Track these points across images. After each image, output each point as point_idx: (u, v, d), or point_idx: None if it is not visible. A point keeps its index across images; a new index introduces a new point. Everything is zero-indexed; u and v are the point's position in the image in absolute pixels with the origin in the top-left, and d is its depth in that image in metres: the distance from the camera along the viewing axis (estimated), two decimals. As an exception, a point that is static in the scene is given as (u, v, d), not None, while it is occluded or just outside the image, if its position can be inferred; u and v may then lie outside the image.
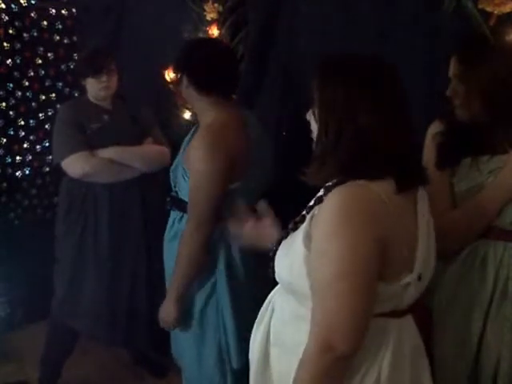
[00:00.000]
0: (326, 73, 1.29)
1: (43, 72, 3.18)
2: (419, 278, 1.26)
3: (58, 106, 3.10)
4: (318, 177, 1.28)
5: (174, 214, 2.07)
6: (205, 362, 2.04)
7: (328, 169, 1.26)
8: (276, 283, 1.44)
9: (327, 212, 1.21)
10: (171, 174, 2.07)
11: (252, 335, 1.50)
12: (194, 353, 2.06)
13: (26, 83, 3.11)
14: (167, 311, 2.01)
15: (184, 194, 1.98)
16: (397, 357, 1.26)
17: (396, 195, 1.22)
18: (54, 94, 3.24)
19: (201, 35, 2.67)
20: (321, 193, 1.28)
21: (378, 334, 1.25)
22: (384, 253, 1.19)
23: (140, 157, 2.54)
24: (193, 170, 1.89)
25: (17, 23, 3.02)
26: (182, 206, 1.99)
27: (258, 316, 1.49)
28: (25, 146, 3.17)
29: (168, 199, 2.10)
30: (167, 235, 2.11)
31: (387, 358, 1.25)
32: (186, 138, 2.09)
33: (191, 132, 2.11)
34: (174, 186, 2.05)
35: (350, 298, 1.16)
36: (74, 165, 2.46)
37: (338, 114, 1.24)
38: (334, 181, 1.25)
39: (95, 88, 2.50)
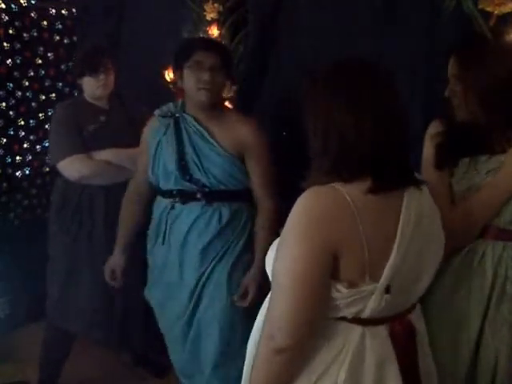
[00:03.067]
0: (314, 77, 1.30)
1: (43, 72, 3.18)
2: (387, 290, 1.22)
3: (58, 106, 3.10)
4: (315, 181, 1.28)
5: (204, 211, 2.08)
6: None
7: (322, 172, 1.27)
8: None
9: (290, 214, 1.25)
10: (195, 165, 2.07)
11: None
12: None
13: (26, 83, 3.11)
14: None
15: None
16: (357, 363, 1.27)
17: (371, 197, 1.22)
18: (54, 94, 3.25)
19: (201, 35, 2.67)
20: None
21: (339, 338, 1.28)
22: (337, 256, 1.20)
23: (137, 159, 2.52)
24: None
25: (17, 23, 3.02)
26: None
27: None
28: (25, 146, 3.17)
29: (198, 195, 2.08)
30: (198, 240, 2.09)
31: (347, 361, 1.27)
32: None
33: None
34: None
35: (289, 295, 1.21)
36: (71, 168, 2.44)
37: (322, 117, 1.25)
38: None
39: (92, 87, 2.48)
